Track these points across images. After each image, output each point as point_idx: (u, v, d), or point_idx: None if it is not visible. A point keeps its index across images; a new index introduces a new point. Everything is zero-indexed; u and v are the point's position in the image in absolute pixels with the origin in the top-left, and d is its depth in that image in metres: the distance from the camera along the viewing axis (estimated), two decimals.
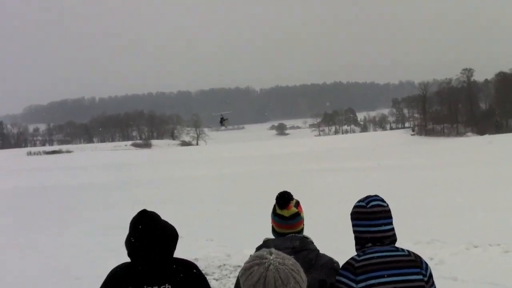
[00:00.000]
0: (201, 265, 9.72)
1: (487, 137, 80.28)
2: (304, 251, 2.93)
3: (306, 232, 3.08)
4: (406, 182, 22.55)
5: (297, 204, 3.13)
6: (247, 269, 1.89)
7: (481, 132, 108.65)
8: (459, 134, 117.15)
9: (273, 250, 2.00)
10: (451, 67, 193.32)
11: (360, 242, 2.77)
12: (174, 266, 2.72)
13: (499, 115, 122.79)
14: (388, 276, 2.56)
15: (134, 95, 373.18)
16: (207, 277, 9.24)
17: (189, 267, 2.78)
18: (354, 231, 2.82)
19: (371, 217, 2.71)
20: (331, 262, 2.94)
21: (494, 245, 9.83)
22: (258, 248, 2.80)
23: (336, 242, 9.98)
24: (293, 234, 3.02)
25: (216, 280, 8.78)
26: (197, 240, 12.17)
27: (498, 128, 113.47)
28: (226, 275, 9.02)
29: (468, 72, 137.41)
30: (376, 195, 2.82)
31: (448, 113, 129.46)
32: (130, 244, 2.73)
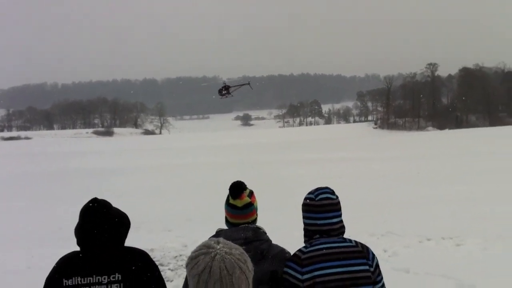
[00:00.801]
0: (157, 256, 9.63)
1: (446, 132, 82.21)
2: (256, 241, 2.93)
3: (265, 223, 3.07)
4: (365, 175, 22.84)
5: (251, 194, 3.12)
6: (193, 258, 1.86)
7: (441, 127, 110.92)
8: (420, 128, 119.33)
9: (221, 239, 1.96)
10: (416, 62, 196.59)
11: (308, 234, 2.78)
12: (125, 255, 2.66)
13: (460, 110, 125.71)
14: (334, 267, 2.58)
15: (99, 81, 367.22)
16: (163, 268, 9.12)
17: (140, 255, 2.73)
18: (303, 223, 2.83)
19: (319, 210, 2.72)
20: (282, 252, 2.94)
21: (446, 238, 10.03)
22: None
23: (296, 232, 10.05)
24: (246, 225, 3.02)
25: (172, 270, 8.70)
26: (155, 231, 12.06)
27: (459, 123, 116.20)
28: (182, 265, 8.94)
29: (433, 67, 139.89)
30: (326, 187, 2.83)
31: (411, 107, 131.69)
32: (80, 232, 2.66)
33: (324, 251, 2.62)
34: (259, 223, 3.10)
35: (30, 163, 39.13)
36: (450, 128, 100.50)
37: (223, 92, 26.80)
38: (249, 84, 28.48)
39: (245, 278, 1.86)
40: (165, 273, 8.43)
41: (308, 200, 2.79)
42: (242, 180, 3.13)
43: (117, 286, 2.56)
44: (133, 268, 2.62)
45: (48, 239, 11.17)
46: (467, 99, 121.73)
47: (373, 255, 2.71)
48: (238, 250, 1.91)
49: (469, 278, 7.28)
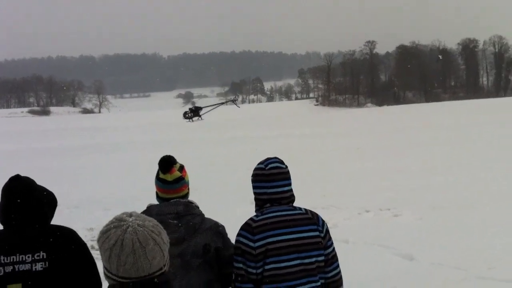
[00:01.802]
0: (96, 234, 9.39)
1: (384, 108, 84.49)
2: (188, 215, 2.92)
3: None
4: (305, 151, 23.12)
5: (181, 168, 3.09)
6: (104, 232, 1.80)
7: (380, 103, 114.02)
8: (359, 105, 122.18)
9: (133, 212, 1.91)
10: (355, 40, 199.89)
11: (259, 203, 2.82)
12: (50, 233, 2.57)
13: (397, 87, 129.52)
14: (285, 234, 2.65)
15: (33, 58, 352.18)
16: None
17: (66, 233, 2.64)
18: (254, 193, 2.86)
19: (269, 179, 2.78)
20: (215, 226, 2.96)
21: (384, 210, 10.31)
22: None
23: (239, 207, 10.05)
24: (177, 199, 2.98)
25: None
26: (94, 210, 11.78)
27: (396, 100, 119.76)
28: None
29: (371, 44, 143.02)
30: (275, 157, 2.89)
31: (351, 84, 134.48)
32: (1, 210, 2.56)
33: (275, 218, 2.68)
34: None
35: None
36: (388, 105, 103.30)
37: (188, 115, 22.56)
38: (234, 101, 25.27)
39: (159, 250, 1.82)
40: None
41: (258, 170, 2.83)
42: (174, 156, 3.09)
43: (41, 264, 2.48)
44: (58, 245, 2.54)
45: None
46: (404, 76, 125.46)
47: (323, 221, 2.80)
48: (151, 222, 1.87)
49: (406, 247, 7.52)
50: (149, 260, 1.78)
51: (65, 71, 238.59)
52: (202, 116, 18.32)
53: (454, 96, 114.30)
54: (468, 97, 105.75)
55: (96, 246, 8.74)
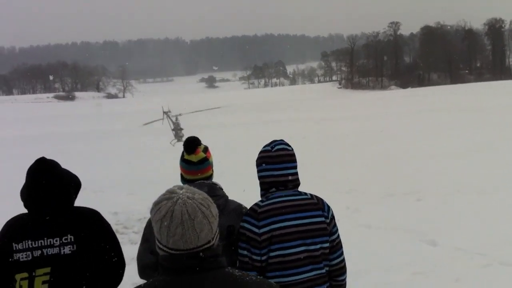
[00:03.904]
0: (121, 219, 9.57)
1: (409, 90, 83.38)
2: (213, 197, 2.87)
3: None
4: (328, 135, 23.03)
5: (206, 149, 3.09)
6: (156, 204, 1.84)
7: (404, 85, 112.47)
8: (383, 87, 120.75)
9: (185, 186, 1.95)
10: (379, 21, 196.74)
11: (264, 187, 2.78)
12: (76, 215, 2.60)
13: (422, 68, 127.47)
14: (291, 219, 2.61)
15: (57, 44, 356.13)
16: (127, 230, 8.99)
17: (92, 215, 2.66)
18: (259, 177, 2.81)
19: (276, 161, 2.73)
20: (239, 208, 2.96)
21: (408, 194, 10.24)
22: None
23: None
24: (202, 181, 2.98)
25: (136, 233, 8.62)
26: (119, 194, 11.94)
27: (421, 82, 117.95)
28: None
29: (395, 25, 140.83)
30: (281, 140, 2.84)
31: (374, 67, 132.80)
32: (26, 193, 2.58)
33: (281, 204, 2.64)
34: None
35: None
36: (412, 87, 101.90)
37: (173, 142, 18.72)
38: (166, 113, 21.30)
39: (207, 223, 1.84)
40: (129, 235, 8.40)
41: (264, 153, 2.78)
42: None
43: (70, 247, 2.50)
44: (84, 228, 2.56)
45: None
46: (429, 58, 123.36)
47: (328, 207, 2.74)
48: (201, 195, 1.90)
49: (429, 232, 7.46)
50: (197, 232, 1.80)
51: (89, 57, 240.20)
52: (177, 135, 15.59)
53: (480, 78, 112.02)
54: (494, 78, 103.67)
55: (120, 230, 8.88)
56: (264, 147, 2.82)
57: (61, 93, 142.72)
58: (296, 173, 2.79)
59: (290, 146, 2.80)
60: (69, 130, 34.77)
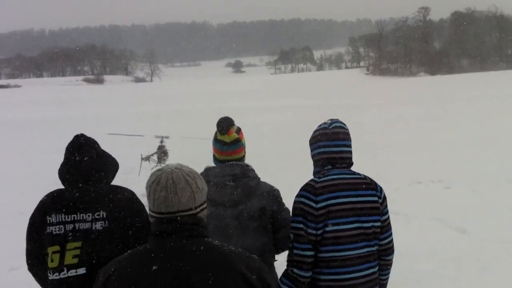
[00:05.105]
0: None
1: (438, 77, 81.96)
2: (245, 178, 2.97)
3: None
4: (357, 121, 22.88)
5: (239, 130, 3.12)
6: (151, 175, 2.03)
7: (433, 72, 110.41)
8: (412, 74, 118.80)
9: (180, 163, 2.13)
10: (408, 6, 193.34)
11: (319, 163, 2.83)
12: (111, 193, 2.63)
13: (452, 55, 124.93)
14: (346, 196, 2.66)
15: (86, 27, 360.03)
16: None
17: (126, 194, 2.68)
18: (314, 154, 2.86)
19: (333, 137, 2.78)
20: (271, 190, 3.01)
21: (436, 182, 10.21)
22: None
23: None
24: (234, 162, 3.02)
25: None
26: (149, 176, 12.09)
27: (450, 69, 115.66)
28: None
29: (424, 11, 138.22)
30: (337, 119, 2.88)
31: (403, 53, 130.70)
32: (64, 169, 2.65)
33: (337, 181, 2.69)
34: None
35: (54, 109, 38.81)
36: (442, 74, 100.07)
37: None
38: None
39: (190, 191, 2.00)
40: None
41: (321, 130, 2.84)
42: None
43: (101, 223, 2.53)
44: (118, 206, 2.59)
45: (40, 186, 11.22)
46: (459, 44, 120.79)
47: (381, 188, 2.81)
48: (189, 169, 2.07)
49: (457, 220, 7.47)
50: (178, 196, 1.96)
51: (118, 40, 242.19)
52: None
53: None
54: None
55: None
56: (320, 125, 2.87)
57: (90, 76, 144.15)
58: (351, 152, 2.84)
59: (346, 125, 2.86)
60: (101, 112, 35.27)
